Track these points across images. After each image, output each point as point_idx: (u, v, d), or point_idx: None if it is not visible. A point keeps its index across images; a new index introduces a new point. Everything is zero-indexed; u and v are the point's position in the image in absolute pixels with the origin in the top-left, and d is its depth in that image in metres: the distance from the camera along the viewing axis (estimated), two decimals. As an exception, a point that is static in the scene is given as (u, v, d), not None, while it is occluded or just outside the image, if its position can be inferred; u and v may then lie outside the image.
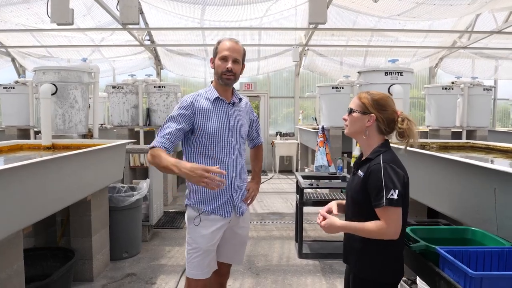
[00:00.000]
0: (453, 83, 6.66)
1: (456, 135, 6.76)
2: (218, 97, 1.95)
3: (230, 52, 1.89)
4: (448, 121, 6.59)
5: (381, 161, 1.50)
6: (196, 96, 1.94)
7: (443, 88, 6.54)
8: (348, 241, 1.66)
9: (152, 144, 1.83)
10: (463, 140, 4.93)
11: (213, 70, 1.98)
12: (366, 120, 1.58)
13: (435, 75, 9.62)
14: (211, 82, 2.03)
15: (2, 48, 8.37)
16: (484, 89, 6.73)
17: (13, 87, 6.46)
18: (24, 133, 6.59)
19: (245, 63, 2.02)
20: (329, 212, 1.68)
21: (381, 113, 1.57)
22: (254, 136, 2.25)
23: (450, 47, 8.48)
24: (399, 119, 1.58)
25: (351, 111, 1.63)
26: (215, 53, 1.94)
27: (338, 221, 1.57)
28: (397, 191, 1.42)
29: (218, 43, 1.95)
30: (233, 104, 2.00)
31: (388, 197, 1.42)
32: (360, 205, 1.56)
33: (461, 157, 2.12)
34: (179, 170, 1.68)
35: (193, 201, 1.95)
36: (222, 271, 2.13)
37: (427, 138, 6.69)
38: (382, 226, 1.45)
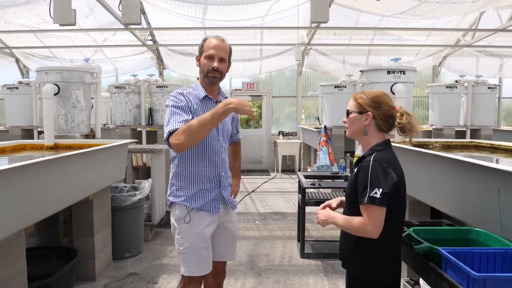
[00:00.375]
0: (457, 81, 6.61)
1: (460, 134, 6.71)
2: (206, 95, 1.93)
3: (215, 51, 1.87)
4: (452, 120, 6.55)
5: (372, 159, 1.51)
6: (187, 94, 1.90)
7: (447, 87, 6.49)
8: (343, 240, 1.68)
9: (171, 128, 1.72)
10: (467, 140, 4.89)
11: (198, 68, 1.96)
12: (364, 119, 1.60)
13: (439, 73, 9.56)
14: (197, 79, 2.02)
15: (6, 49, 8.43)
16: (488, 88, 6.67)
17: (17, 88, 6.49)
18: (28, 133, 6.62)
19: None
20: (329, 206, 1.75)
21: (377, 110, 1.58)
22: (234, 132, 2.28)
23: (453, 46, 8.42)
24: (398, 114, 1.58)
25: (348, 113, 1.65)
26: (201, 51, 1.92)
27: (331, 212, 1.66)
28: (381, 190, 1.43)
29: (204, 40, 1.93)
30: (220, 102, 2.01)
31: (371, 195, 1.44)
32: (354, 202, 1.57)
33: (465, 157, 2.10)
34: (224, 110, 1.70)
35: (181, 198, 1.92)
36: (218, 270, 2.12)
37: (430, 137, 6.64)
38: (362, 223, 1.47)
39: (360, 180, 1.51)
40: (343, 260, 1.68)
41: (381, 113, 1.57)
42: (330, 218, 1.63)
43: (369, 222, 1.45)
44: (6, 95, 6.55)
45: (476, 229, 1.73)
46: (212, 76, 1.89)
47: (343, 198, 1.78)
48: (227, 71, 1.97)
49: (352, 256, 1.61)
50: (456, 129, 6.62)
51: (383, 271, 1.56)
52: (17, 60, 9.06)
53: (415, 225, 1.98)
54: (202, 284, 2.10)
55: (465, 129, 6.76)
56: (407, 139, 1.62)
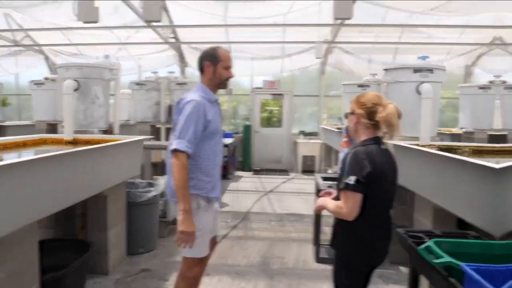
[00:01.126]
0: (491, 82, 6.24)
1: (494, 138, 6.32)
2: (216, 99, 2.18)
3: (231, 62, 2.16)
4: (484, 123, 6.17)
5: (352, 151, 1.67)
6: (203, 100, 2.08)
7: (480, 88, 6.13)
8: (332, 230, 1.85)
9: (181, 148, 1.94)
10: (501, 144, 4.58)
11: (210, 75, 2.13)
12: (353, 119, 1.77)
13: (472, 73, 9.08)
14: (201, 82, 2.18)
15: (36, 46, 8.72)
16: (526, 89, 6.26)
17: (43, 83, 6.68)
18: (52, 127, 6.78)
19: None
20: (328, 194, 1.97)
21: (361, 109, 1.73)
22: None
23: (489, 44, 7.96)
24: (380, 109, 1.66)
25: (345, 116, 1.88)
26: (217, 61, 2.11)
27: (324, 198, 1.86)
28: (354, 177, 1.59)
29: (217, 51, 2.12)
30: (219, 104, 2.27)
31: (346, 181, 1.61)
32: None
33: (495, 163, 1.92)
34: (182, 215, 1.97)
35: (205, 191, 2.12)
36: (214, 243, 2.40)
37: (460, 141, 6.30)
38: (338, 205, 1.68)
39: (342, 169, 1.69)
40: (331, 248, 1.86)
41: (365, 111, 1.71)
42: (320, 202, 1.83)
43: (344, 205, 1.64)
44: (33, 90, 6.76)
45: (506, 242, 1.56)
46: (227, 83, 2.19)
47: None
48: None
49: (336, 243, 1.80)
50: (489, 133, 6.24)
51: (360, 257, 1.70)
52: (46, 58, 9.37)
53: (437, 235, 1.84)
54: None
55: (499, 133, 6.36)
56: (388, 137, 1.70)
